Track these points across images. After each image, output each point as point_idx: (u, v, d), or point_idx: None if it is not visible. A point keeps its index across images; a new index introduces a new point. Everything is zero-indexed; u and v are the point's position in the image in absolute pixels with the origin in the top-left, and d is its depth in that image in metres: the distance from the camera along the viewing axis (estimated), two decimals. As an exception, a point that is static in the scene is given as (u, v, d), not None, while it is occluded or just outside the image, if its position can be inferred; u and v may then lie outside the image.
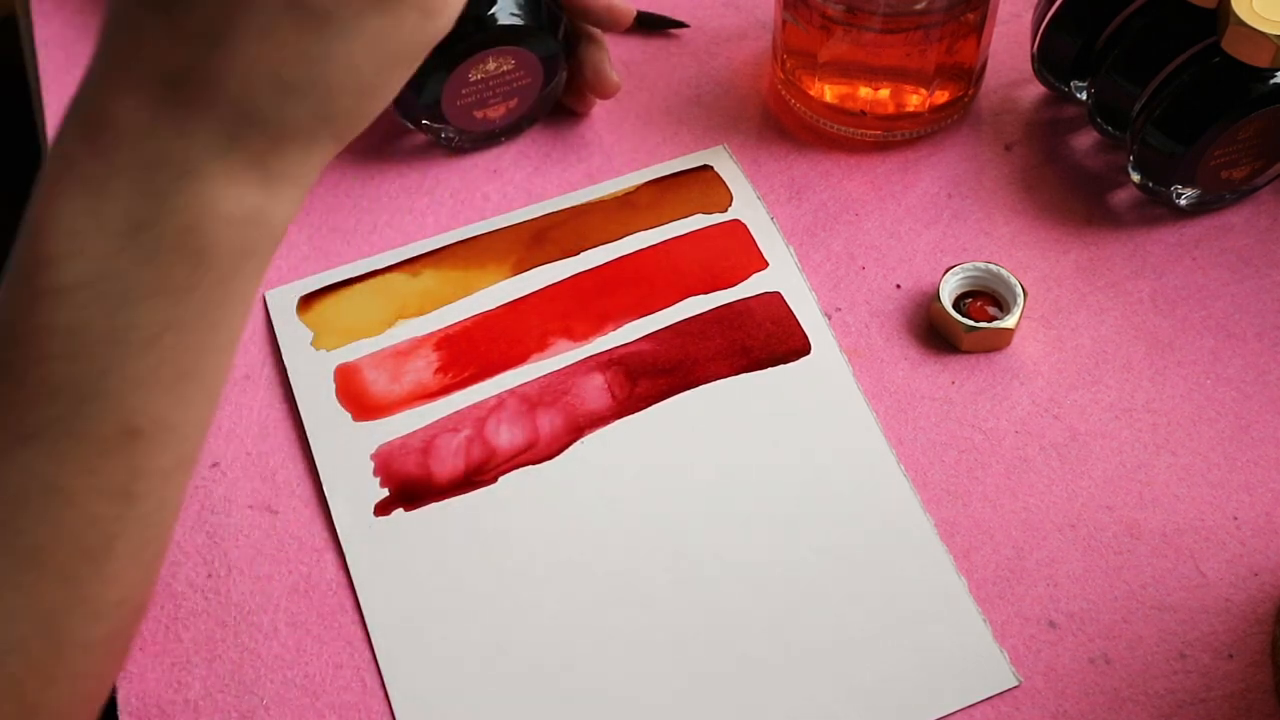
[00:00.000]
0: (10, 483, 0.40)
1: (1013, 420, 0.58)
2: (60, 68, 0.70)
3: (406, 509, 0.56)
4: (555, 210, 0.65)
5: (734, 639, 0.52)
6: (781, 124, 0.68)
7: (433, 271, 0.63)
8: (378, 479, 0.57)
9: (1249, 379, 0.59)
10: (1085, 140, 0.67)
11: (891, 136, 0.66)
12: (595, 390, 0.59)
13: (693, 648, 0.52)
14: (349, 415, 0.58)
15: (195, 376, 0.42)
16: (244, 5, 0.38)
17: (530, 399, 0.59)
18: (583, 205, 0.65)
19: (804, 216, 0.64)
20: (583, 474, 0.57)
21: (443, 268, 0.63)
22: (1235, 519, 0.55)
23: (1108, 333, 0.60)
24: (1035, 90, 0.69)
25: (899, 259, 0.63)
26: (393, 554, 0.55)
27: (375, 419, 0.58)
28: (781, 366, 0.59)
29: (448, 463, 0.57)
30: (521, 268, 0.63)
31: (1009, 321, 0.59)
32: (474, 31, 0.61)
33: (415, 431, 0.58)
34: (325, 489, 0.56)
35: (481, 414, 0.58)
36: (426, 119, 0.64)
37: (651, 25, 0.71)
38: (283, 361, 0.60)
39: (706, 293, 0.62)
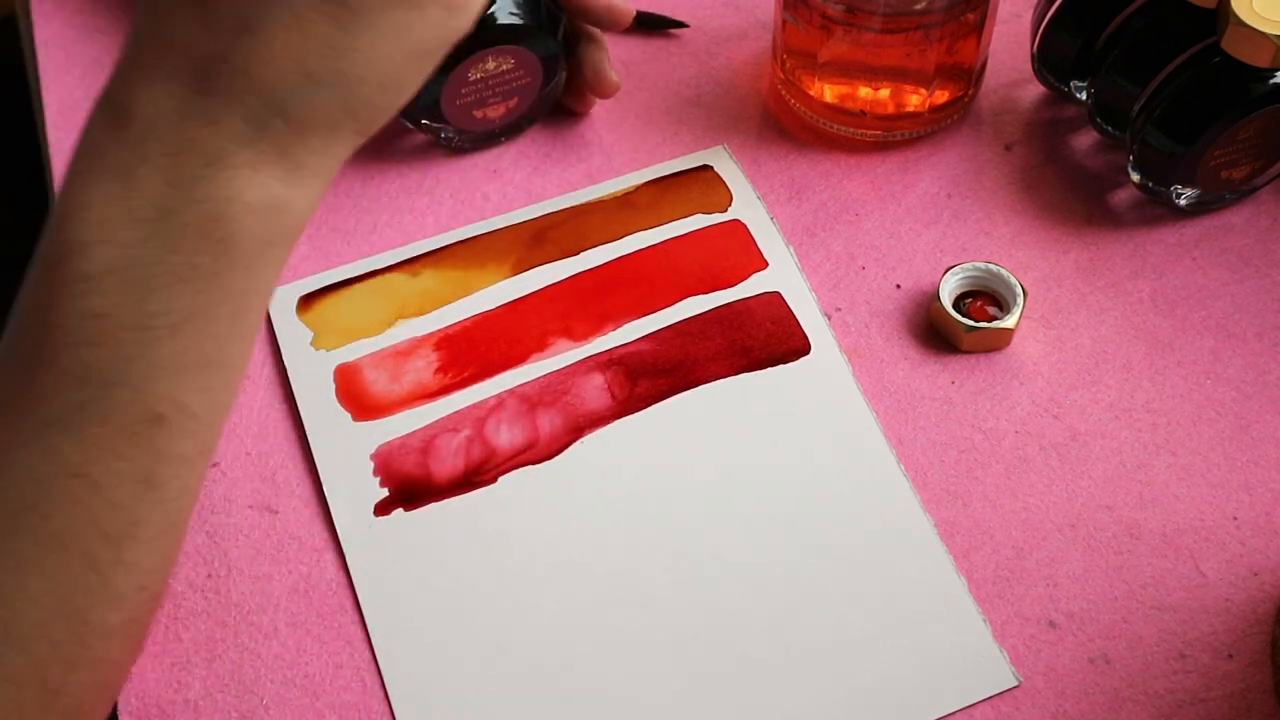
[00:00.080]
0: (35, 467, 0.41)
1: (1013, 420, 0.58)
2: (60, 68, 0.70)
3: (406, 509, 0.56)
4: (555, 210, 0.65)
5: (734, 639, 0.52)
6: (781, 124, 0.68)
7: (433, 271, 0.63)
8: (377, 479, 0.57)
9: (1249, 379, 0.59)
10: (1085, 140, 0.67)
11: (891, 136, 0.66)
12: (595, 390, 0.59)
13: (693, 648, 0.52)
14: (349, 415, 0.58)
15: (217, 364, 0.42)
16: None
17: (530, 399, 0.59)
18: (582, 205, 0.65)
19: (804, 216, 0.64)
20: (582, 474, 0.57)
21: (443, 268, 0.63)
22: (1235, 519, 0.55)
23: (1108, 333, 0.60)
24: (1035, 90, 0.69)
25: (899, 259, 0.63)
26: (393, 554, 0.55)
27: (375, 419, 0.58)
28: (781, 366, 0.59)
29: (447, 463, 0.57)
30: (521, 268, 0.63)
31: (1009, 321, 0.59)
32: (473, 31, 0.61)
33: (415, 431, 0.58)
34: (325, 489, 0.56)
35: (481, 414, 0.58)
36: (426, 119, 0.64)
37: (651, 25, 0.71)
38: (283, 361, 0.60)
39: (706, 293, 0.62)
